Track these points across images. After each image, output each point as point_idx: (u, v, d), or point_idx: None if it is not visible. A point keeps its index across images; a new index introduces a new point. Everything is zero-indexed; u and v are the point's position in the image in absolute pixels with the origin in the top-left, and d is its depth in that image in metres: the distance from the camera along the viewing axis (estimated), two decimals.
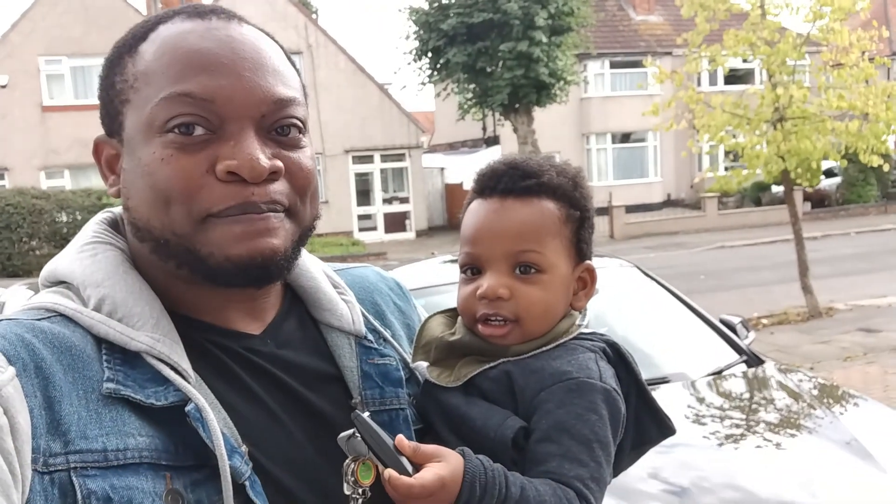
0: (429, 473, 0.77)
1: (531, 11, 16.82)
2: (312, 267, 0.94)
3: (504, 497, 0.80)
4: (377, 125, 21.88)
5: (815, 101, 8.40)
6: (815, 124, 8.20)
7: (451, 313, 1.01)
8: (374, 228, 22.46)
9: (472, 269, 0.96)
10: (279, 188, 0.77)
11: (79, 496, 0.66)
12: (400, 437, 0.78)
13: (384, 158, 22.45)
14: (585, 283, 1.00)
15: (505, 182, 0.95)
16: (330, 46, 21.57)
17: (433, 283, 3.42)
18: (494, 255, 0.94)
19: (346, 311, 0.92)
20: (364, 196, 22.56)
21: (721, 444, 2.85)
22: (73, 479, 0.67)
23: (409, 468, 0.77)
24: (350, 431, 0.78)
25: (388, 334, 0.96)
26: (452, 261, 4.63)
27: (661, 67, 9.17)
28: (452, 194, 23.89)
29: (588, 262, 1.00)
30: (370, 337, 0.93)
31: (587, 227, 0.99)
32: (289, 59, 0.83)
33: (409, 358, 0.97)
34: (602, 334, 0.97)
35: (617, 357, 0.96)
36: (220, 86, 0.74)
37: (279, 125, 0.78)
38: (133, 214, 0.79)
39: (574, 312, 0.99)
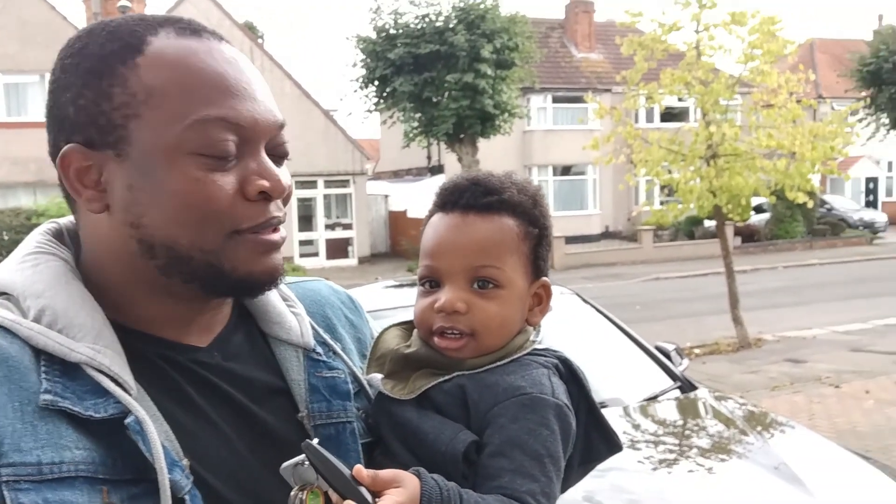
0: (388, 502, 0.75)
1: (477, 45, 17.13)
2: None
3: None
4: (322, 151, 21.77)
5: (746, 140, 8.77)
6: (746, 162, 8.56)
7: (407, 325, 1.01)
8: (316, 254, 22.22)
9: (431, 281, 0.97)
10: (280, 204, 0.82)
11: None
12: (358, 467, 0.76)
13: (328, 184, 22.32)
14: (541, 299, 1.01)
15: (467, 198, 0.97)
16: (276, 71, 21.45)
17: (378, 307, 3.40)
18: (453, 269, 0.95)
19: (294, 323, 0.92)
20: (306, 221, 22.33)
21: (655, 469, 2.89)
22: (5, 492, 0.65)
23: (369, 498, 0.75)
24: (296, 460, 0.75)
25: (338, 347, 0.96)
26: (396, 286, 4.62)
27: (601, 103, 9.45)
28: (396, 221, 23.90)
29: (544, 278, 1.01)
30: (319, 350, 0.93)
31: (545, 245, 1.00)
32: None
33: (358, 371, 0.96)
34: (555, 350, 0.98)
35: (569, 373, 0.96)
36: (247, 110, 0.78)
37: (279, 149, 0.83)
38: (147, 232, 0.77)
39: (529, 328, 1.00)
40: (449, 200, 0.98)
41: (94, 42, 0.78)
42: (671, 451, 3.06)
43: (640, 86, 9.13)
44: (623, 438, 3.27)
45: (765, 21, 8.49)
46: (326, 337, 0.96)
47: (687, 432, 3.27)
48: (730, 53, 8.91)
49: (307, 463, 0.75)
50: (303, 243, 22.13)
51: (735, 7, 8.62)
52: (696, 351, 8.81)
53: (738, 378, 7.63)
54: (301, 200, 22.13)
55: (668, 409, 3.46)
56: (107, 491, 0.70)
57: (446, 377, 0.92)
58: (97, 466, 0.70)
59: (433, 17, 17.84)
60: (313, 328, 0.94)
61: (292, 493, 0.76)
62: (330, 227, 22.65)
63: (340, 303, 1.05)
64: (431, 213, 1.01)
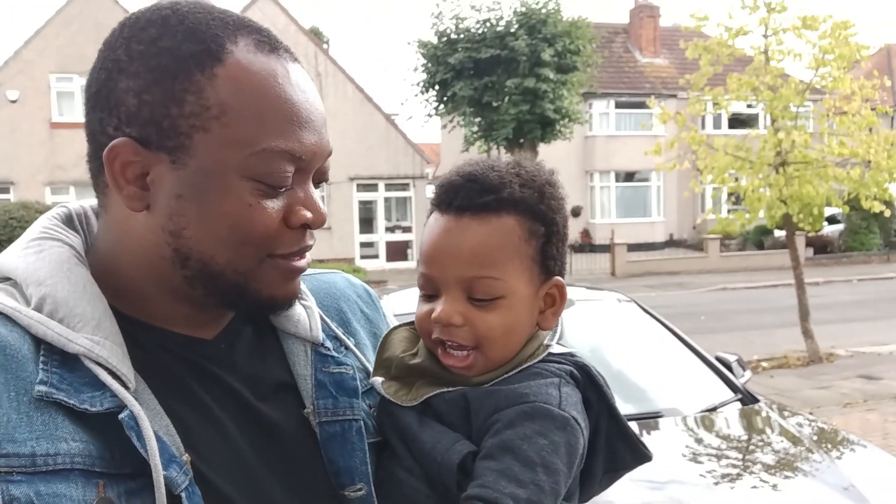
0: None
1: (538, 49, 17.05)
2: None
3: None
4: (382, 154, 22.03)
5: (817, 147, 8.46)
6: (817, 170, 8.25)
7: (414, 327, 0.95)
8: (376, 256, 22.47)
9: (429, 291, 0.91)
10: (313, 233, 0.82)
11: (0, 502, 0.63)
12: None
13: (388, 187, 22.56)
14: (554, 300, 0.93)
15: (461, 198, 0.88)
16: (339, 75, 21.83)
17: None
18: (447, 279, 0.88)
19: (303, 317, 0.89)
20: (367, 224, 22.62)
21: (717, 483, 2.81)
22: None
23: None
24: None
25: (350, 342, 0.93)
26: None
27: (665, 108, 9.26)
28: None
29: (557, 278, 0.93)
30: (328, 344, 0.90)
31: (555, 241, 0.92)
32: None
33: (370, 367, 0.93)
34: (573, 355, 0.92)
35: (587, 380, 0.90)
36: (312, 144, 0.78)
37: (322, 175, 0.82)
38: (186, 244, 0.75)
39: (541, 332, 0.93)
40: (444, 200, 0.90)
41: (170, 36, 0.74)
42: (734, 466, 2.96)
43: (705, 90, 8.91)
44: (683, 450, 3.21)
45: (836, 26, 8.17)
46: (338, 331, 0.93)
47: (751, 447, 3.17)
48: (800, 59, 8.61)
49: None
50: (363, 245, 22.42)
51: (805, 11, 8.34)
52: (764, 364, 8.53)
53: (807, 393, 7.35)
54: (362, 203, 22.43)
55: (730, 422, 3.36)
56: (103, 485, 0.68)
57: (450, 389, 0.88)
58: (94, 459, 0.68)
59: (494, 22, 17.86)
60: (324, 322, 0.92)
61: None
62: (390, 229, 22.88)
63: (356, 296, 1.02)
64: (430, 212, 0.93)
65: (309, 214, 0.78)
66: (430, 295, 0.90)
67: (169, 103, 0.73)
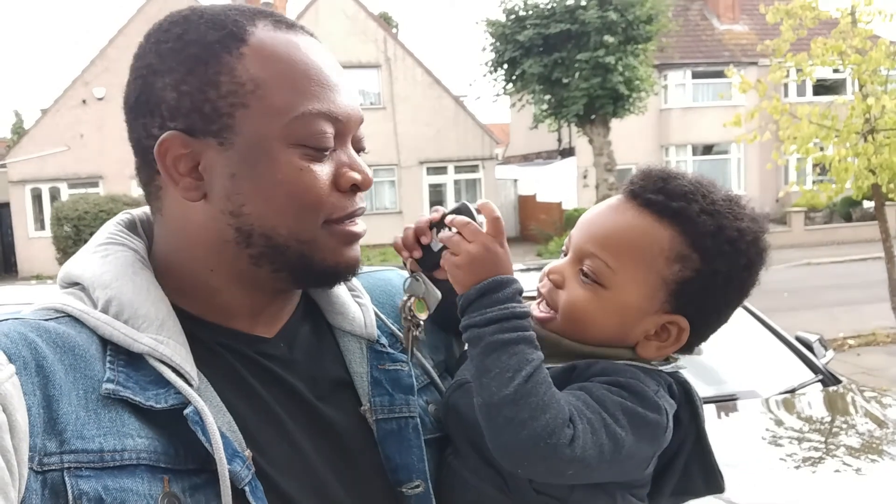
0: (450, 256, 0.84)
1: (608, 19, 16.62)
2: None
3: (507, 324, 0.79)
4: (452, 137, 22.03)
5: None
6: None
7: None
8: None
9: (565, 251, 0.93)
10: (363, 196, 0.84)
11: (70, 497, 0.65)
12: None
13: (458, 170, 22.56)
14: (668, 336, 0.88)
15: (639, 186, 0.88)
16: (407, 60, 21.90)
17: None
18: (577, 245, 0.90)
19: (358, 314, 0.91)
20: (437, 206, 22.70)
21: (798, 467, 2.73)
22: (66, 479, 0.66)
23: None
24: (408, 275, 0.90)
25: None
26: (522, 269, 4.62)
27: (745, 77, 8.89)
28: (525, 206, 23.78)
29: (683, 319, 0.87)
30: (384, 340, 0.91)
31: (706, 286, 0.85)
32: None
33: (427, 363, 0.95)
34: (677, 372, 0.90)
35: (684, 398, 0.89)
36: (347, 105, 0.80)
37: (359, 143, 0.84)
38: (248, 220, 0.77)
39: (641, 356, 0.89)
40: (627, 182, 0.91)
41: (194, 29, 0.78)
42: (815, 449, 2.87)
43: (787, 57, 8.50)
44: (762, 433, 3.12)
45: None
46: (394, 328, 0.94)
47: (833, 429, 3.05)
48: (890, 19, 8.10)
49: (417, 278, 0.89)
50: None
51: None
52: (850, 342, 8.17)
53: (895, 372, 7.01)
54: (432, 186, 22.53)
55: (811, 404, 3.24)
56: (168, 480, 0.69)
57: (563, 365, 0.87)
58: (159, 455, 0.70)
59: None
60: (380, 318, 0.93)
61: (402, 301, 0.88)
62: None
63: None
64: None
65: (357, 176, 0.81)
66: (564, 254, 0.93)
67: (206, 88, 0.76)
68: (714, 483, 0.92)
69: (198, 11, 0.80)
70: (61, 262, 16.42)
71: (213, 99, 0.76)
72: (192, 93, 0.76)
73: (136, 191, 20.23)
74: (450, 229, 0.86)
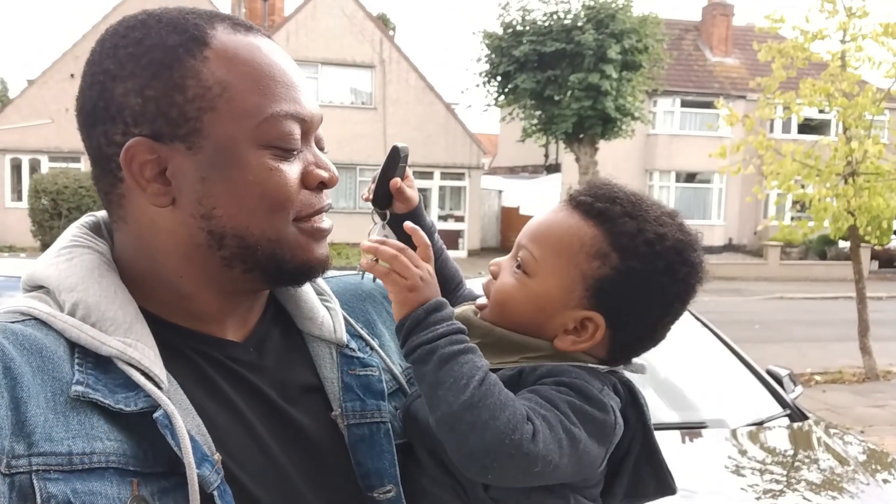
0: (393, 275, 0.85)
1: (605, 44, 16.80)
2: None
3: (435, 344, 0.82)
4: (440, 143, 22.07)
5: (890, 159, 8.14)
6: (889, 182, 7.95)
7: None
8: None
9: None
10: (328, 193, 0.86)
11: (38, 500, 0.64)
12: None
13: (444, 176, 22.61)
14: (584, 331, 0.90)
15: (577, 192, 0.94)
16: (402, 63, 21.92)
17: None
18: (518, 241, 0.96)
19: (327, 318, 0.90)
20: None
21: (758, 498, 2.77)
22: (35, 482, 0.65)
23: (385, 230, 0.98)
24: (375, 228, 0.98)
25: (374, 343, 0.94)
26: None
27: (733, 110, 9.03)
28: (508, 217, 23.88)
29: (599, 316, 0.89)
30: (352, 345, 0.91)
31: (625, 288, 0.87)
32: None
33: (396, 369, 0.95)
34: (617, 372, 0.92)
35: (629, 397, 0.91)
36: (310, 105, 0.82)
37: (319, 143, 0.86)
38: (220, 223, 0.77)
39: (572, 352, 0.90)
40: (572, 191, 0.96)
41: (154, 34, 0.76)
42: (777, 482, 2.92)
43: (776, 94, 8.66)
44: (727, 462, 3.17)
45: None
46: (363, 332, 0.94)
47: (796, 464, 3.11)
48: (878, 66, 8.28)
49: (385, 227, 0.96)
50: None
51: (888, 18, 8.00)
52: (817, 378, 8.30)
53: (860, 411, 7.12)
54: (418, 191, 22.49)
55: (776, 438, 3.30)
56: (137, 483, 0.69)
57: (510, 361, 0.89)
58: (128, 458, 0.69)
59: (562, 15, 17.66)
60: (349, 323, 0.93)
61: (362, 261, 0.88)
62: (443, 217, 22.94)
63: (384, 297, 1.01)
64: None
65: (325, 174, 0.82)
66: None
67: (172, 92, 0.74)
68: (665, 483, 0.93)
69: (154, 16, 0.78)
70: (36, 234, 16.18)
71: (179, 103, 0.75)
72: (158, 98, 0.74)
73: None
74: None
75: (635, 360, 0.96)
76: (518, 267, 0.92)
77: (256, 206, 0.77)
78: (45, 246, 16.40)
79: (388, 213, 1.01)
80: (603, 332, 0.89)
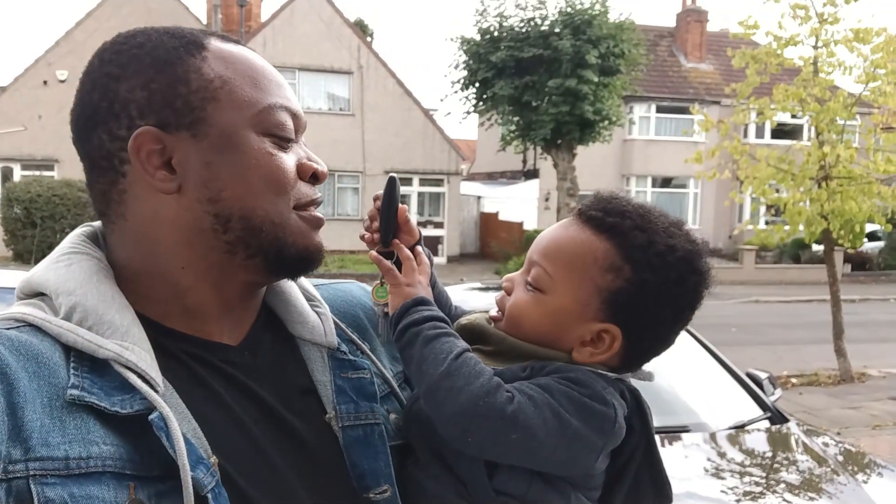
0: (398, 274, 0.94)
1: (582, 50, 16.92)
2: (284, 280, 0.94)
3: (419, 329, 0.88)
4: (419, 149, 22.09)
5: (862, 163, 8.29)
6: (861, 186, 8.09)
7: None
8: None
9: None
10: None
11: None
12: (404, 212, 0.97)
13: (423, 182, 22.62)
14: (601, 344, 0.91)
15: (586, 206, 0.95)
16: (380, 69, 21.91)
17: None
18: (529, 258, 0.96)
19: (317, 322, 0.92)
20: None
21: (738, 500, 2.79)
22: (32, 486, 0.65)
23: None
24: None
25: (365, 347, 0.96)
26: (481, 288, 4.64)
27: (708, 115, 9.14)
28: (487, 223, 23.94)
29: (616, 328, 0.90)
30: (344, 348, 0.93)
31: (640, 299, 0.89)
32: None
33: (388, 373, 0.97)
34: (624, 380, 0.93)
35: (634, 404, 0.91)
36: (296, 102, 0.88)
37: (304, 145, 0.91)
38: (226, 204, 0.79)
39: (585, 364, 0.91)
40: (581, 205, 0.97)
41: (154, 39, 0.81)
42: (757, 484, 2.94)
43: (750, 100, 8.78)
44: (707, 465, 3.19)
45: (891, 40, 7.97)
46: (353, 336, 0.95)
47: (776, 466, 3.14)
48: (849, 72, 8.43)
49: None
50: None
51: (859, 24, 8.15)
52: (793, 380, 8.40)
53: (836, 413, 7.22)
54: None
55: (756, 440, 3.33)
56: (133, 487, 0.69)
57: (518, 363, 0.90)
58: (124, 462, 0.70)
59: (539, 21, 17.76)
60: (339, 326, 0.95)
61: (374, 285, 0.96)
62: (422, 224, 22.92)
63: (374, 305, 1.02)
64: None
65: (317, 166, 0.87)
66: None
67: (176, 84, 0.79)
68: (663, 493, 0.94)
69: (150, 29, 0.84)
70: (9, 244, 15.92)
71: (184, 94, 0.79)
72: (163, 89, 0.78)
73: None
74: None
75: (644, 367, 0.97)
76: (530, 284, 0.93)
77: (261, 188, 0.81)
78: (17, 255, 16.11)
79: (394, 253, 0.95)
80: (620, 342, 0.91)
